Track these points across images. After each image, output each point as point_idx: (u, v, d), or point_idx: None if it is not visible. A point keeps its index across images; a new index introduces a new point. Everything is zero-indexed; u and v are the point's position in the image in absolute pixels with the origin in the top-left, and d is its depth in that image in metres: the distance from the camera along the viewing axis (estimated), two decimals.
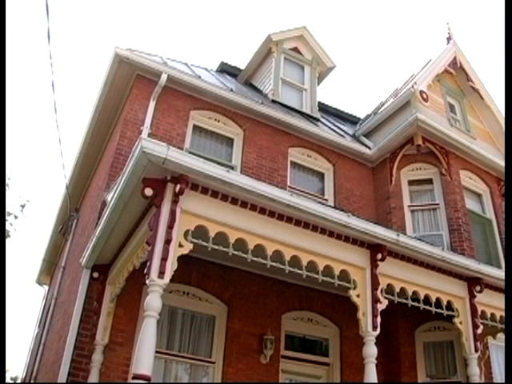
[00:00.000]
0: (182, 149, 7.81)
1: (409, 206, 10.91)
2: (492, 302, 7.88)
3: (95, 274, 7.61)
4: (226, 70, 13.69)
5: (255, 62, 13.03)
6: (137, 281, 6.59)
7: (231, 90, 10.66)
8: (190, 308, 8.08)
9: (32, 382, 10.77)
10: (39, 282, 18.39)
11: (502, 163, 12.10)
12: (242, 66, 13.59)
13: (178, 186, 5.35)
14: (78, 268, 8.16)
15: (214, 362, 7.92)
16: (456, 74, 12.86)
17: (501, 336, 9.15)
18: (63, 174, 14.52)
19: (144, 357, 4.87)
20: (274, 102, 11.58)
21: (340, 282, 6.35)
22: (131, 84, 9.62)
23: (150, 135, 8.66)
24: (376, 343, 6.32)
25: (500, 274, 7.97)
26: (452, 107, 12.63)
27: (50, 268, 16.90)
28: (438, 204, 10.86)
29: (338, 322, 9.07)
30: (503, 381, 9.90)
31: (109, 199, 6.66)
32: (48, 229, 16.26)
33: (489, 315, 7.81)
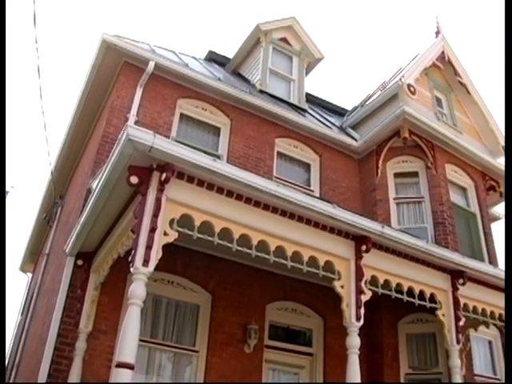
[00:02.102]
0: (168, 137, 7.75)
1: (394, 199, 10.97)
2: (474, 295, 7.96)
3: (79, 262, 7.57)
4: (214, 58, 13.62)
5: (243, 51, 12.99)
6: (121, 269, 6.55)
7: (219, 79, 10.62)
8: (175, 297, 8.08)
9: (15, 369, 10.71)
10: (23, 269, 18.27)
11: (488, 158, 12.20)
12: (231, 56, 13.53)
13: (164, 175, 5.33)
14: (62, 255, 8.11)
15: (197, 351, 7.94)
16: (444, 68, 12.89)
17: (482, 329, 9.27)
18: (48, 161, 14.39)
19: (128, 345, 4.86)
20: (261, 92, 11.56)
21: (324, 273, 6.38)
22: (118, 71, 9.54)
23: (136, 123, 8.60)
24: (359, 334, 6.35)
25: (483, 267, 8.06)
26: (439, 101, 12.68)
27: (33, 255, 16.79)
28: (423, 197, 10.92)
29: (322, 312, 9.12)
30: (482, 371, 10.06)
31: (94, 186, 6.62)
32: (32, 216, 16.15)
33: (471, 308, 7.88)
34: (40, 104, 8.95)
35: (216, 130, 10.25)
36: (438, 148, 11.35)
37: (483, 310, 8.05)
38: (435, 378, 9.26)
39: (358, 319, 6.33)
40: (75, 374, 6.78)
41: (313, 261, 6.32)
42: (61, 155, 12.13)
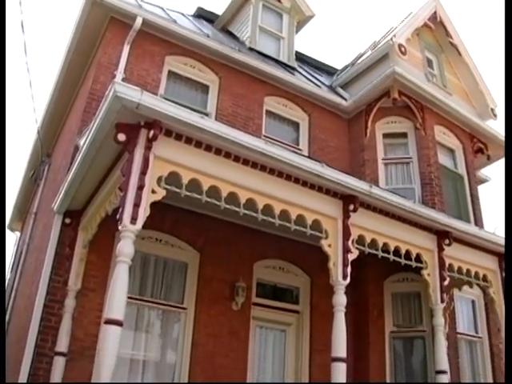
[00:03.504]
0: (156, 94, 7.66)
1: (382, 159, 10.98)
2: (459, 256, 8.07)
3: (67, 220, 7.56)
4: (202, 15, 13.35)
5: (233, 7, 12.73)
6: (109, 227, 6.54)
7: (208, 35, 10.44)
8: (163, 255, 8.13)
9: (5, 326, 10.78)
10: (11, 228, 18.22)
11: (476, 120, 12.20)
12: (220, 12, 13.28)
13: (152, 132, 5.28)
14: (50, 214, 8.09)
15: (185, 308, 8.04)
16: (435, 29, 12.73)
17: (466, 288, 9.43)
18: (34, 119, 14.21)
19: (116, 302, 4.91)
20: (250, 49, 11.40)
21: (312, 232, 6.42)
22: (105, 27, 9.33)
23: (123, 80, 8.46)
24: (346, 292, 6.44)
25: (469, 228, 8.16)
26: (430, 62, 12.57)
27: (21, 214, 16.73)
28: (411, 158, 10.94)
29: (309, 271, 9.22)
30: (465, 330, 10.29)
31: (81, 144, 6.58)
32: (19, 174, 16.02)
33: (456, 268, 8.00)
34: (25, 60, 8.78)
35: (204, 88, 10.13)
36: (428, 109, 11.32)
37: (468, 270, 8.18)
38: (419, 336, 9.47)
39: (344, 278, 6.40)
40: (65, 330, 6.86)
41: (301, 219, 6.35)
42: (47, 113, 11.97)
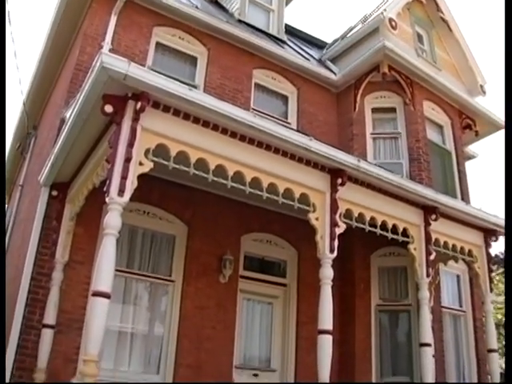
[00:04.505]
0: (144, 66, 7.56)
1: (371, 134, 10.99)
2: (445, 231, 8.13)
3: (54, 193, 7.53)
4: None
5: None
6: (97, 199, 6.51)
7: (196, 7, 10.29)
8: (151, 227, 8.13)
9: None
10: None
11: (465, 96, 12.21)
12: None
13: (139, 104, 5.23)
14: (37, 186, 8.04)
15: (173, 281, 8.08)
16: (426, 4, 12.66)
17: (452, 263, 9.53)
18: (20, 90, 14.03)
19: (103, 274, 4.91)
20: (240, 21, 11.27)
21: (300, 205, 6.43)
22: None
23: (111, 51, 8.31)
24: (332, 266, 6.47)
25: (455, 203, 8.21)
26: (420, 37, 12.52)
27: (8, 186, 16.61)
28: (399, 133, 10.95)
29: (297, 244, 9.28)
30: (450, 304, 10.44)
31: (68, 116, 6.50)
32: (5, 146, 15.83)
33: (442, 243, 8.07)
34: (10, 30, 8.63)
35: (193, 60, 10.03)
36: (417, 84, 11.30)
37: (453, 245, 8.26)
38: (404, 310, 9.60)
39: (331, 251, 6.44)
40: (52, 303, 6.87)
41: (288, 193, 6.35)
42: (33, 84, 11.80)
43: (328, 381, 5.98)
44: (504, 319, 8.02)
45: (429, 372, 7.19)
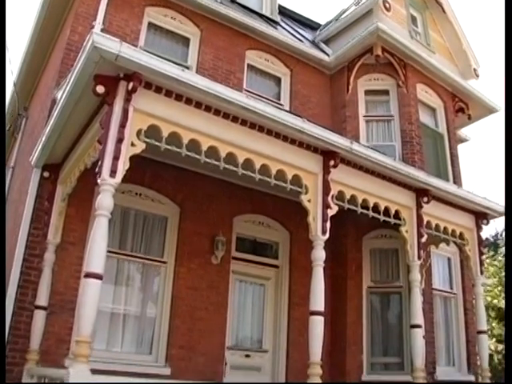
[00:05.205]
0: (136, 46, 7.49)
1: (364, 116, 10.97)
2: (437, 213, 8.17)
3: (46, 174, 7.48)
4: None
5: None
6: (88, 181, 6.47)
7: None
8: (143, 209, 8.13)
9: None
10: None
11: (459, 79, 12.19)
12: None
13: (131, 84, 5.19)
14: (28, 167, 7.99)
15: (165, 262, 8.10)
16: None
17: (443, 246, 9.59)
18: (10, 70, 13.88)
19: (96, 255, 4.91)
20: (232, 2, 11.16)
21: (292, 187, 6.43)
22: None
23: (102, 31, 8.19)
24: (324, 247, 6.50)
25: (447, 186, 8.23)
26: (414, 19, 12.47)
27: None
28: (392, 115, 10.95)
29: (289, 226, 9.30)
30: (441, 286, 10.52)
31: (59, 97, 6.45)
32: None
33: (433, 225, 8.11)
34: None
35: (185, 41, 9.96)
36: (410, 67, 11.27)
37: (445, 228, 8.30)
38: (396, 291, 9.68)
39: (323, 233, 6.45)
40: (45, 284, 6.86)
41: (281, 174, 6.35)
42: (24, 64, 11.66)
43: (319, 360, 6.05)
44: (504, 319, 8.11)
45: (419, 353, 7.27)
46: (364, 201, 7.17)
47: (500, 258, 18.42)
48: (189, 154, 5.65)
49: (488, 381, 8.21)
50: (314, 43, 12.19)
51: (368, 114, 11.06)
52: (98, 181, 5.11)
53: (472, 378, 9.87)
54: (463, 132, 14.16)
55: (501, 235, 24.71)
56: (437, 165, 11.31)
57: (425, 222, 7.83)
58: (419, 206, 7.82)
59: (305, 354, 6.27)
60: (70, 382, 4.47)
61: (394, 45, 10.89)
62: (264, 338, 8.93)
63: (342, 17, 12.13)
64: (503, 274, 16.71)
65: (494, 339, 15.46)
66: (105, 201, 5.07)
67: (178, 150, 5.59)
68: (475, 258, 8.68)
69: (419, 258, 7.61)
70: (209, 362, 7.93)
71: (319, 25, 14.38)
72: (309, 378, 5.99)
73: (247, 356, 8.65)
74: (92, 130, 6.03)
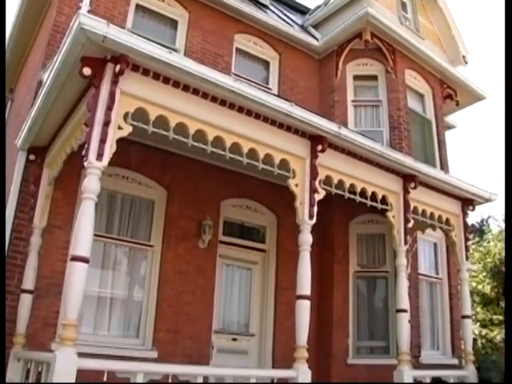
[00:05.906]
0: (123, 28, 7.39)
1: (352, 101, 10.97)
2: (424, 199, 8.22)
3: (32, 157, 7.42)
4: None
5: None
6: (75, 164, 6.42)
7: None
8: (130, 192, 8.10)
9: None
10: None
11: (447, 66, 12.21)
12: None
13: (118, 66, 5.15)
14: (14, 150, 7.91)
15: (152, 246, 8.09)
16: None
17: (429, 231, 9.64)
18: None
19: (82, 238, 4.90)
20: None
21: (280, 171, 6.43)
22: None
23: (89, 12, 8.03)
24: (311, 232, 6.52)
25: (434, 172, 8.28)
26: (404, 5, 12.43)
27: None
28: (380, 101, 10.95)
29: (276, 210, 9.32)
30: (426, 271, 10.61)
31: (45, 79, 6.36)
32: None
33: (420, 211, 8.16)
34: None
35: (173, 23, 9.88)
36: (399, 53, 11.26)
37: (431, 213, 8.35)
38: (382, 276, 9.76)
39: (310, 217, 6.47)
40: (31, 268, 6.82)
41: (268, 158, 6.34)
42: (9, 46, 11.49)
43: (306, 344, 6.10)
44: (504, 318, 8.20)
45: (404, 337, 7.35)
46: (351, 186, 7.19)
47: (485, 244, 18.56)
48: (176, 137, 5.63)
49: (471, 364, 8.33)
50: (303, 27, 12.13)
51: (356, 99, 11.05)
52: (85, 164, 5.09)
53: (456, 362, 9.99)
54: (451, 119, 14.20)
55: (486, 221, 24.91)
56: (424, 151, 11.35)
57: (411, 208, 7.88)
58: (406, 192, 7.86)
59: (291, 338, 6.32)
60: (57, 365, 4.47)
61: (383, 30, 10.87)
62: (251, 322, 8.98)
63: (332, 1, 12.06)
64: (488, 259, 16.85)
65: (478, 324, 15.62)
66: (91, 184, 5.04)
67: (165, 133, 5.56)
68: (461, 243, 8.75)
69: (406, 243, 7.67)
70: (196, 346, 7.96)
71: (308, 9, 14.31)
72: (295, 362, 6.05)
73: (234, 340, 8.70)
74: (79, 113, 5.96)
